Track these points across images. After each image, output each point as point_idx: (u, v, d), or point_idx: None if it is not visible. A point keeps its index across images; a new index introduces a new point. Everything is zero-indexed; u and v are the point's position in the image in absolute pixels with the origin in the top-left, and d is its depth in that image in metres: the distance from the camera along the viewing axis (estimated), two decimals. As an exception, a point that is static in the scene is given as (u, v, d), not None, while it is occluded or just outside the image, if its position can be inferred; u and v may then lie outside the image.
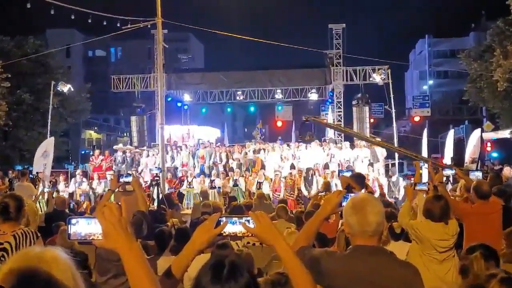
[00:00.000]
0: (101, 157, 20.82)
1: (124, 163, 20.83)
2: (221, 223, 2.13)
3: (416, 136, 30.80)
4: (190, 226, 8.13)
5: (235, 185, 18.02)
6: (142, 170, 20.19)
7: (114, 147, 23.85)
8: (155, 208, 11.15)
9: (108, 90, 30.27)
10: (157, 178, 10.69)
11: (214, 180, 18.30)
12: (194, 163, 20.95)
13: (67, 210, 10.11)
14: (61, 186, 18.56)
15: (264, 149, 21.17)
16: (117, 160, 21.03)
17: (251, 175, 18.51)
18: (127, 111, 42.92)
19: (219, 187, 18.15)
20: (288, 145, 21.84)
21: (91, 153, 26.33)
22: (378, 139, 21.26)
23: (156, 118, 24.95)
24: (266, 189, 17.31)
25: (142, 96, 25.71)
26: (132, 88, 25.94)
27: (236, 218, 2.15)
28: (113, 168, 20.26)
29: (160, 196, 10.80)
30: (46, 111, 24.46)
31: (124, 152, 21.47)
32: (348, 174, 5.86)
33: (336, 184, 15.29)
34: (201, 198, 15.68)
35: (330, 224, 7.01)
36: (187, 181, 18.57)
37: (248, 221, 2.15)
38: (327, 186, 12.86)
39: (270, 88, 26.50)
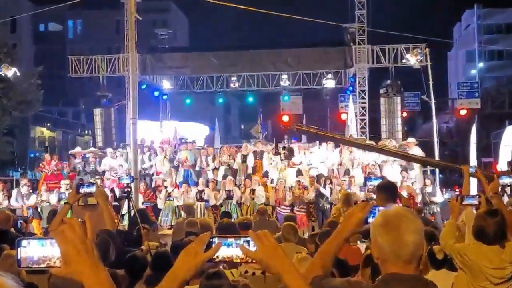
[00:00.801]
0: (54, 162, 20.84)
1: (86, 170, 20.86)
2: (213, 245, 2.12)
3: (462, 135, 30.86)
4: (171, 250, 8.10)
5: (228, 197, 18.01)
6: (103, 175, 20.33)
7: (71, 152, 23.83)
8: (126, 227, 11.15)
9: (64, 75, 30.35)
10: (129, 189, 10.69)
11: (202, 191, 18.31)
12: (171, 169, 21.00)
13: (12, 230, 10.10)
14: (-1, 197, 18.63)
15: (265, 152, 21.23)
16: (76, 167, 21.08)
17: (249, 186, 18.63)
18: (89, 102, 42.84)
19: (207, 200, 18.17)
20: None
21: (42, 156, 26.42)
22: (411, 140, 21.22)
23: (126, 112, 25.02)
24: (260, 198, 17.46)
25: (108, 83, 25.77)
26: (96, 72, 26.00)
27: (232, 239, 2.16)
28: (70, 176, 20.29)
29: (132, 212, 10.79)
30: (-16, 102, 24.52)
31: (84, 157, 21.52)
32: (376, 183, 5.86)
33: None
34: (184, 214, 15.65)
35: (353, 247, 7.01)
36: (166, 191, 18.57)
37: (248, 242, 2.16)
38: (346, 199, 12.86)
39: (274, 72, 26.56)
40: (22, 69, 29.84)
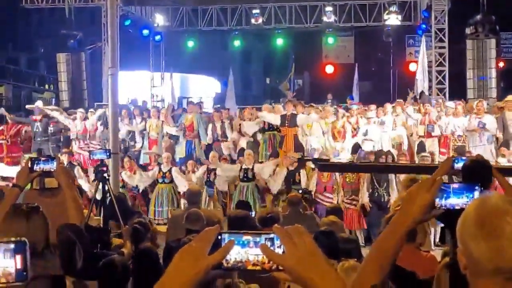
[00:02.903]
0: (2, 126, 21.06)
1: (45, 137, 21.12)
2: (223, 244, 2.09)
3: None
4: (165, 255, 8.15)
5: (246, 178, 18.11)
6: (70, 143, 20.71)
7: (28, 106, 23.97)
8: (100, 221, 11.25)
9: (16, 7, 30.41)
10: (104, 168, 10.76)
11: (213, 170, 18.38)
12: (169, 139, 21.18)
13: None
14: None
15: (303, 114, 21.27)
16: (33, 132, 21.28)
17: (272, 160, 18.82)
18: (50, 44, 43.09)
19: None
20: (346, 109, 21.84)
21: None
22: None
23: (103, 58, 25.07)
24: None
25: (77, 18, 25.86)
26: (60, 1, 26.09)
27: (249, 236, 2.12)
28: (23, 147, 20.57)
29: (109, 199, 10.88)
30: None
31: (45, 118, 21.63)
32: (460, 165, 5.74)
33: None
34: (184, 204, 15.68)
35: (424, 255, 6.99)
36: (160, 171, 18.71)
37: (272, 241, 2.11)
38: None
39: (313, 3, 26.43)
40: None
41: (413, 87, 25.13)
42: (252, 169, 18.21)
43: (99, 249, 7.30)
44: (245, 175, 18.20)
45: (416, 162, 18.34)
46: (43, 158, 5.58)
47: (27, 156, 19.01)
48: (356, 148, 19.63)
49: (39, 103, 23.24)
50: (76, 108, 22.70)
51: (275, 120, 20.40)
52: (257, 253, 2.09)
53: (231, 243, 2.08)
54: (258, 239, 2.11)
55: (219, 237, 2.10)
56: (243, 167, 18.34)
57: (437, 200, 2.83)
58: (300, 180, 17.99)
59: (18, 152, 20.52)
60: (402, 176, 14.95)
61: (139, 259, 6.70)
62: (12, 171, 19.03)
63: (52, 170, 5.42)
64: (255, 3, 26.63)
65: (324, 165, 14.07)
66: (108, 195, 10.99)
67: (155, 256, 7.97)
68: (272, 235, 2.11)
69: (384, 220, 9.49)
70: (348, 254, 7.49)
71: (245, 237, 2.11)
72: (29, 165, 5.47)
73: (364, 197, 17.27)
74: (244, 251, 2.09)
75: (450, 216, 2.79)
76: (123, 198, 13.58)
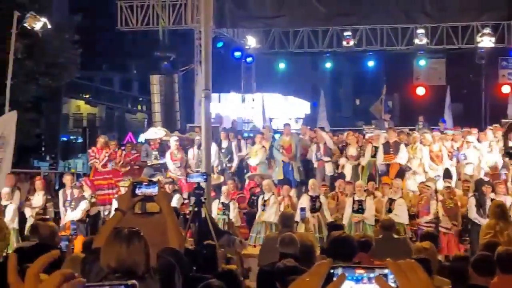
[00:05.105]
0: (105, 152, 21.00)
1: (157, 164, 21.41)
2: (335, 278, 2.06)
3: None
4: (258, 280, 8.15)
5: (360, 210, 18.05)
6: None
7: (145, 136, 24.02)
8: (192, 244, 11.29)
9: (111, 29, 30.79)
10: (201, 191, 10.85)
11: (317, 197, 18.28)
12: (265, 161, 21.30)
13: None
14: (36, 199, 18.91)
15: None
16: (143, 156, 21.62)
17: (379, 189, 18.78)
18: (143, 66, 43.48)
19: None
20: (440, 132, 21.76)
21: (81, 140, 26.81)
22: None
23: (195, 80, 25.28)
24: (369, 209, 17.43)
25: (171, 40, 26.13)
26: (154, 24, 26.42)
27: (362, 271, 2.08)
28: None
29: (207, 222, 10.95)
30: (4, 64, 25.07)
31: (161, 146, 21.80)
32: None
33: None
34: (275, 227, 15.69)
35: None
36: (262, 198, 18.73)
37: (386, 276, 2.07)
38: (501, 212, 12.67)
39: (405, 25, 26.25)
40: (54, 20, 30.13)
41: (506, 110, 24.72)
42: (365, 201, 18.07)
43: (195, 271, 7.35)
44: (359, 207, 17.95)
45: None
46: (145, 183, 5.63)
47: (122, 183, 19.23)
48: (448, 173, 19.41)
49: (153, 131, 23.24)
50: (170, 130, 22.90)
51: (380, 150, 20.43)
52: None
53: (342, 277, 2.05)
54: (372, 274, 2.07)
55: (332, 271, 2.07)
56: (356, 199, 18.08)
57: None
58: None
59: (118, 177, 20.38)
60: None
61: (223, 280, 6.69)
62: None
63: (154, 194, 5.47)
64: (347, 25, 26.47)
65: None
66: (202, 217, 11.04)
67: (238, 279, 7.91)
68: (386, 271, 2.07)
69: (481, 246, 9.38)
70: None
71: (358, 272, 2.07)
72: (131, 189, 5.53)
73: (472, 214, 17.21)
74: (358, 287, 2.06)
75: None
76: (213, 220, 13.66)
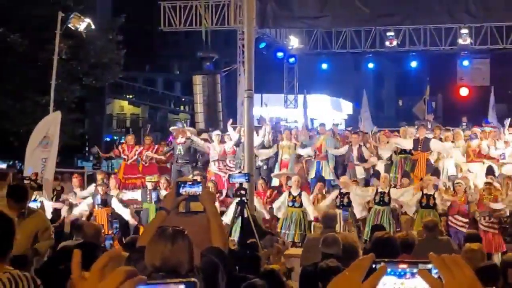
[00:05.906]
0: (137, 148, 21.39)
1: (186, 160, 21.41)
2: (375, 271, 2.01)
3: None
4: (302, 277, 8.15)
5: (382, 202, 18.01)
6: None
7: (172, 128, 23.95)
8: (234, 242, 11.33)
9: (154, 30, 30.96)
10: (243, 191, 10.86)
11: (346, 194, 18.25)
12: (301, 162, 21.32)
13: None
14: (75, 196, 19.37)
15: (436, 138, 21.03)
16: (175, 155, 21.49)
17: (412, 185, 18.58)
18: (185, 66, 43.75)
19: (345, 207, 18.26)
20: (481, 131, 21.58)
21: (122, 140, 26.93)
22: None
23: (238, 80, 25.33)
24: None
25: (214, 41, 26.19)
26: (197, 24, 26.51)
27: (405, 265, 2.02)
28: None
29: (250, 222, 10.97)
30: (48, 65, 25.28)
31: (188, 141, 21.73)
32: None
33: None
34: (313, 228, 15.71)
35: None
36: (290, 194, 18.74)
37: (429, 271, 1.99)
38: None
39: (449, 25, 26.08)
40: (98, 21, 30.26)
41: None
42: (388, 193, 18.05)
43: (238, 271, 7.36)
44: (381, 199, 18.05)
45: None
46: (189, 182, 5.64)
47: (149, 178, 19.59)
48: (490, 170, 19.29)
49: (179, 126, 23.28)
50: (212, 130, 22.97)
51: (408, 144, 20.22)
52: (414, 285, 1.99)
53: (383, 269, 1.99)
54: (415, 269, 2.00)
55: (374, 266, 2.02)
56: (379, 190, 18.18)
57: None
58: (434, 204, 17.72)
59: (154, 173, 20.63)
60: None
61: (265, 280, 6.69)
62: (133, 195, 19.49)
63: (198, 194, 5.47)
64: (390, 25, 26.35)
65: None
66: (245, 216, 11.05)
67: (281, 279, 7.92)
68: (429, 266, 1.99)
69: None
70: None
71: (400, 267, 2.02)
72: (176, 188, 5.55)
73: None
74: (401, 282, 2.00)
75: None
76: (256, 220, 13.69)
